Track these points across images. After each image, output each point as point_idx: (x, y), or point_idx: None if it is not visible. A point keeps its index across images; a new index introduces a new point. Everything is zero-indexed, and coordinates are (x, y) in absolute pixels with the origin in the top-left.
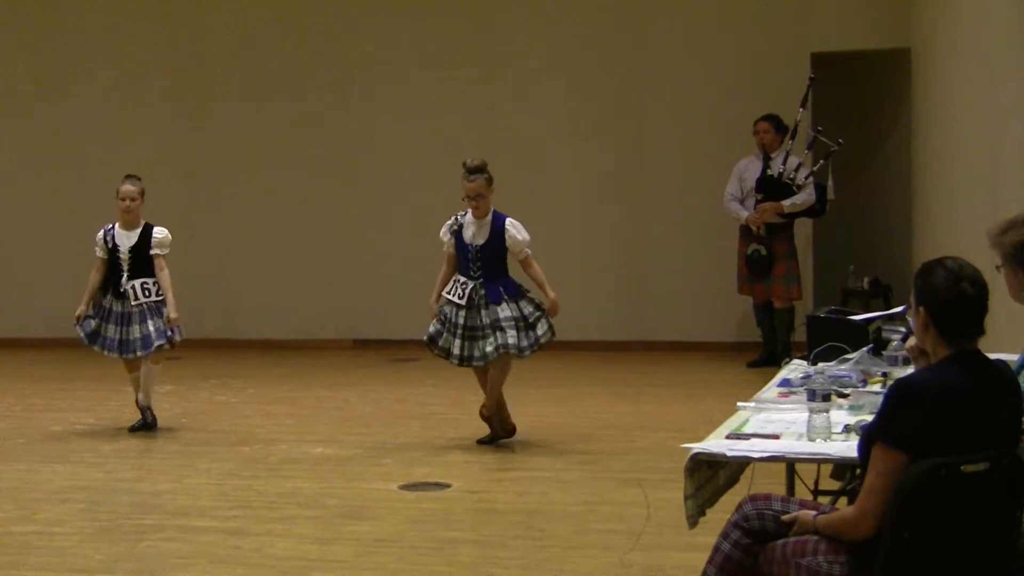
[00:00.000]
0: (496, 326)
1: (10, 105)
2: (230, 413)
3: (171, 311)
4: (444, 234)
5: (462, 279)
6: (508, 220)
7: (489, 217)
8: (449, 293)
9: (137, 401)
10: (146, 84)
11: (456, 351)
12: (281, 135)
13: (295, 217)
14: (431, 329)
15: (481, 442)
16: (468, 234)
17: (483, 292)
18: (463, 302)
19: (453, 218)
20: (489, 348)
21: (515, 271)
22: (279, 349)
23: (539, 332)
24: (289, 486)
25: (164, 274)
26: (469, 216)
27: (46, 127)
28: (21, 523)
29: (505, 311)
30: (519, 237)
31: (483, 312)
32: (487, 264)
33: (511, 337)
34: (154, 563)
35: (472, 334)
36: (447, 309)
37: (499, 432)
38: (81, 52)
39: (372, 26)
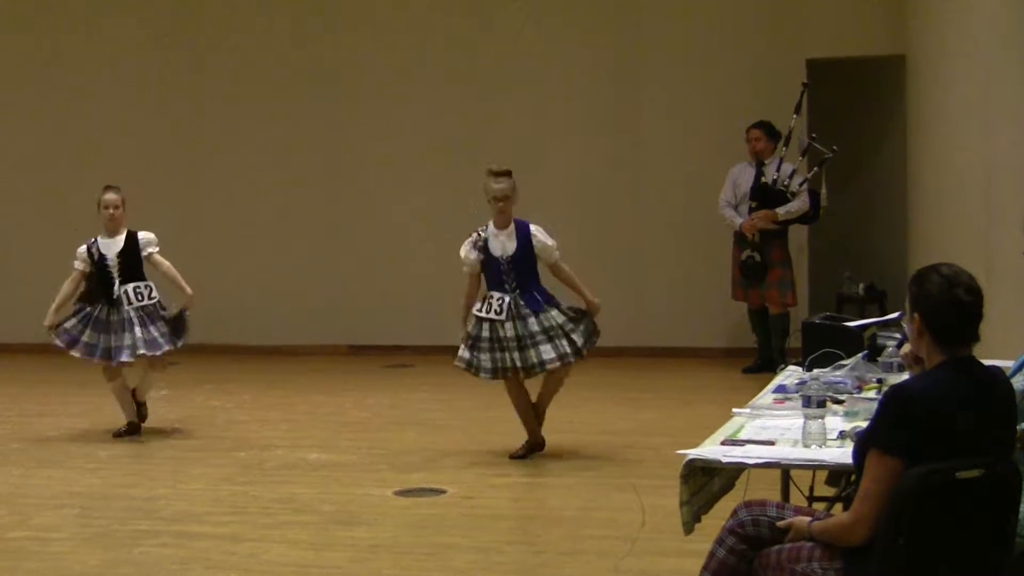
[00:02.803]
0: (551, 334)
1: (1, 109)
2: (225, 419)
3: (187, 298)
4: (468, 253)
5: (496, 295)
6: (532, 226)
7: (512, 226)
8: (482, 311)
9: (129, 419)
10: (140, 89)
11: (511, 364)
12: (274, 140)
13: (289, 223)
14: (464, 355)
15: (516, 457)
16: (496, 247)
17: (522, 302)
18: (503, 316)
19: (475, 234)
20: (548, 356)
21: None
22: (274, 355)
23: (588, 329)
24: (284, 492)
25: (167, 266)
26: (491, 229)
27: (39, 131)
28: (15, 529)
29: (557, 318)
30: (548, 242)
31: (530, 321)
32: (520, 274)
33: (565, 345)
34: (149, 569)
35: (522, 344)
36: (484, 327)
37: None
38: (75, 56)
39: (367, 28)
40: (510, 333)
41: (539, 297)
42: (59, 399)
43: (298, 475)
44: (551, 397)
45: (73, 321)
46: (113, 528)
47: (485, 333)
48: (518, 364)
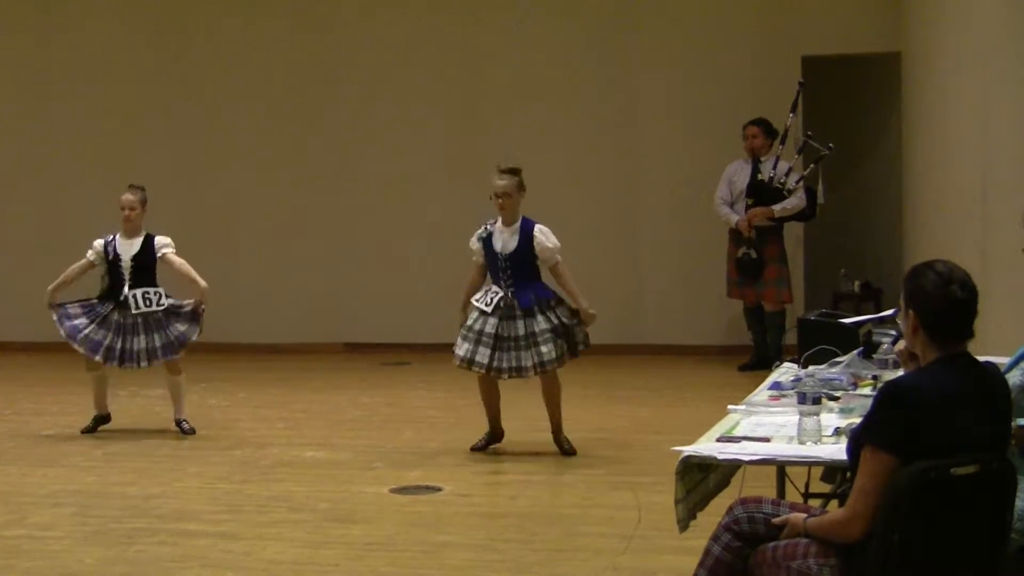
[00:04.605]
0: (532, 340)
1: None
2: (221, 417)
3: (202, 291)
4: (473, 243)
5: (493, 288)
6: (537, 227)
7: (518, 224)
8: (478, 300)
9: (97, 412)
10: (137, 87)
11: (482, 360)
12: (272, 139)
13: (285, 220)
14: (461, 352)
15: (475, 448)
16: (497, 243)
17: (515, 302)
18: (489, 310)
19: (483, 227)
20: (527, 363)
21: (547, 278)
22: (270, 353)
23: (576, 339)
24: (280, 490)
25: (179, 262)
26: (499, 224)
27: (34, 130)
28: (12, 527)
29: (541, 324)
30: (548, 244)
31: (517, 323)
32: (517, 272)
33: (547, 353)
34: (145, 567)
35: (503, 344)
36: (473, 315)
37: (570, 449)
38: (72, 56)
39: (366, 27)
40: (490, 330)
41: (533, 296)
42: (55, 398)
43: (295, 473)
44: (556, 406)
45: (78, 310)
46: (110, 526)
47: (471, 323)
48: (487, 363)
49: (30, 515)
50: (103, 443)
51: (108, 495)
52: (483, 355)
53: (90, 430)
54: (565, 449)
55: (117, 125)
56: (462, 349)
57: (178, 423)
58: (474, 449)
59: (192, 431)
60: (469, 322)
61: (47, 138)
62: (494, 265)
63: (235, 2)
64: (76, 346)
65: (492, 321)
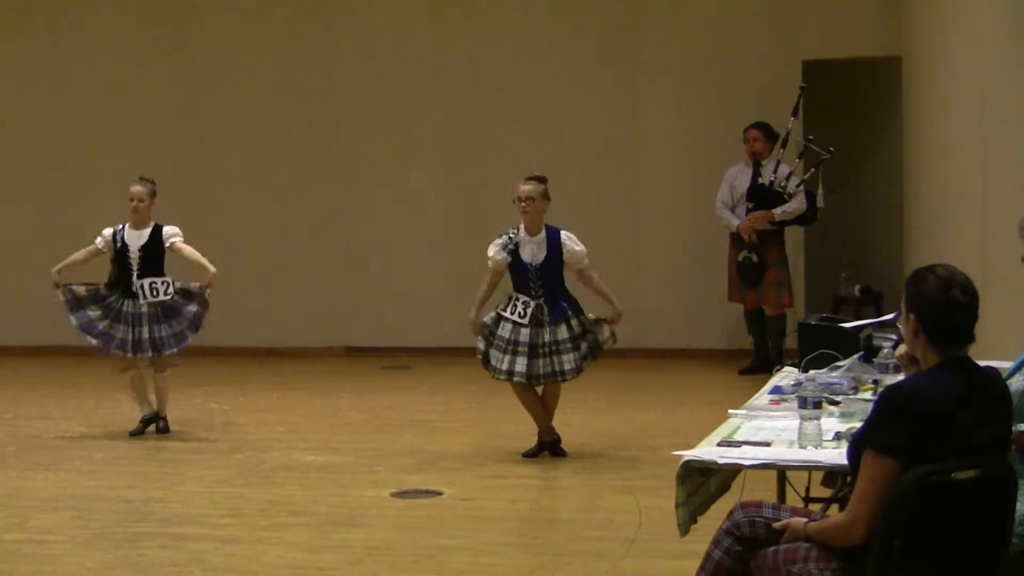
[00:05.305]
0: (575, 344)
1: None
2: (222, 420)
3: (211, 276)
4: (497, 252)
5: (523, 298)
6: (563, 232)
7: (543, 233)
8: (508, 312)
9: (144, 413)
10: (135, 90)
11: (521, 368)
12: (270, 141)
13: (286, 224)
14: (481, 346)
15: (528, 455)
16: (526, 252)
17: (547, 310)
18: (525, 321)
19: (506, 236)
20: (568, 366)
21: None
22: (271, 356)
23: (600, 338)
24: (281, 493)
25: (189, 250)
26: (523, 233)
27: (37, 134)
28: (12, 531)
29: (577, 327)
30: (577, 248)
31: (548, 329)
32: (548, 281)
33: (567, 362)
34: (146, 571)
35: (538, 351)
36: (505, 327)
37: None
38: (71, 57)
39: (365, 29)
40: (524, 339)
41: (564, 305)
42: (56, 402)
43: (295, 477)
44: (555, 402)
45: (86, 297)
46: (111, 530)
47: (503, 333)
48: (526, 371)
49: (31, 519)
50: (104, 447)
51: (109, 499)
52: (521, 364)
53: (139, 432)
54: (554, 439)
55: (115, 131)
56: (503, 363)
57: (157, 418)
58: (526, 455)
59: (167, 430)
60: (501, 332)
61: (48, 144)
62: (523, 275)
63: (237, 9)
64: (91, 339)
65: (526, 331)
